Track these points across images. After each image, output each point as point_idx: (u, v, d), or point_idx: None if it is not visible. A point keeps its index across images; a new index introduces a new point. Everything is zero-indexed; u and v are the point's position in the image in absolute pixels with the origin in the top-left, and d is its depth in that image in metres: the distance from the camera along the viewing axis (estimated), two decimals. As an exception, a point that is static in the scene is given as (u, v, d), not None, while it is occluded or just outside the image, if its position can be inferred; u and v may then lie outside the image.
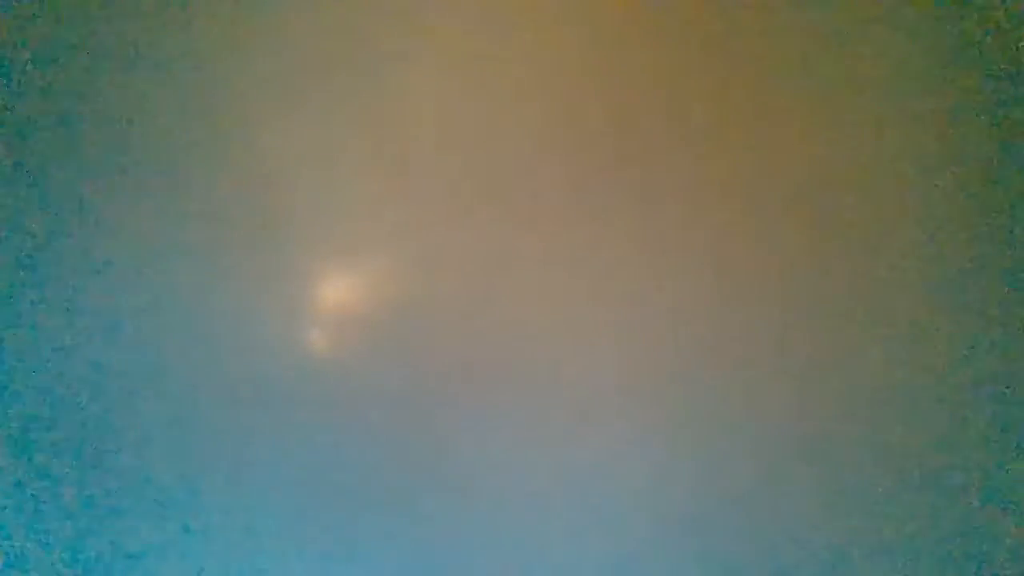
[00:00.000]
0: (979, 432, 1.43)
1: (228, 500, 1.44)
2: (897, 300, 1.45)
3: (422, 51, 1.49)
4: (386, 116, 1.49)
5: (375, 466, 1.45)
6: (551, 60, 1.48)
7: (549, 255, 1.47)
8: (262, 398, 1.45)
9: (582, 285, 1.47)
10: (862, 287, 1.45)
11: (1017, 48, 1.46)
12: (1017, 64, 1.46)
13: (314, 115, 1.48)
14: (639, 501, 1.44)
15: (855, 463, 1.43)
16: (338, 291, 1.48)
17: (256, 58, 1.49)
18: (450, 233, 1.48)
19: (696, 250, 1.46)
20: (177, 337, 1.46)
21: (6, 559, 1.43)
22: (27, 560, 1.43)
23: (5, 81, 1.48)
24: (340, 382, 1.46)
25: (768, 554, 1.43)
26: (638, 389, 1.45)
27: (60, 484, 1.44)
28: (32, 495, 1.44)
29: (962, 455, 1.43)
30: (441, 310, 1.47)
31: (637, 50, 1.48)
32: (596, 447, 1.44)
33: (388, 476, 1.45)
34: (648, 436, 1.45)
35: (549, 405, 1.45)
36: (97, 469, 1.44)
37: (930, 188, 1.46)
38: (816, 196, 1.46)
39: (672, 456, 1.44)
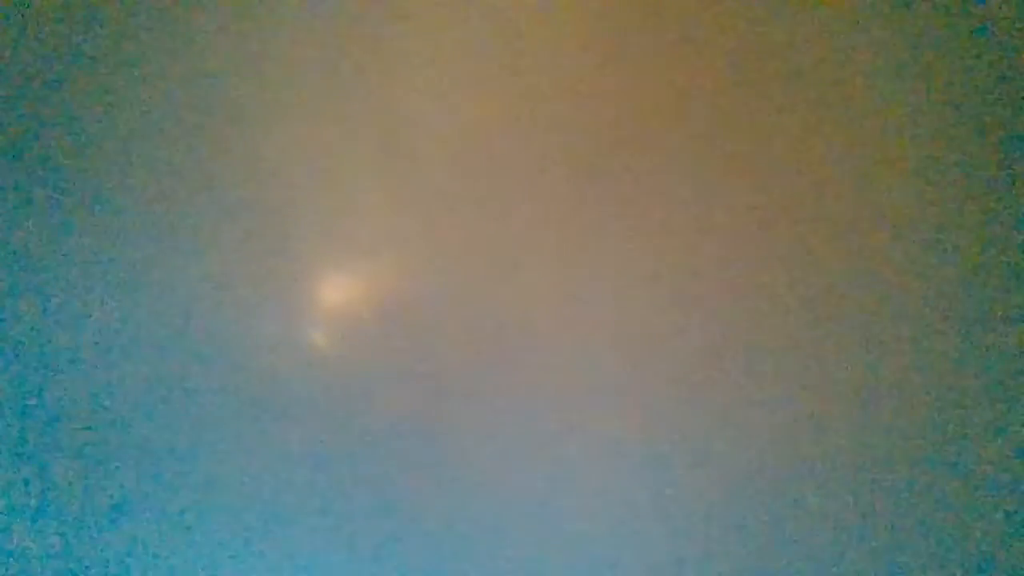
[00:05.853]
0: (984, 434, 1.43)
1: (229, 499, 1.44)
2: (900, 298, 1.45)
3: (425, 49, 1.49)
4: (389, 116, 1.49)
5: (378, 465, 1.45)
6: (554, 58, 1.48)
7: (553, 253, 1.47)
8: (264, 397, 1.45)
9: (585, 284, 1.47)
10: (865, 285, 1.45)
11: (1017, 48, 1.46)
12: (1017, 64, 1.46)
13: (318, 114, 1.48)
14: (644, 499, 1.44)
15: (859, 463, 1.43)
16: (340, 290, 1.48)
17: (259, 59, 1.49)
18: (453, 232, 1.48)
19: (701, 249, 1.46)
20: (179, 337, 1.46)
21: (7, 559, 1.43)
22: (27, 560, 1.43)
23: (8, 82, 1.48)
24: (342, 381, 1.46)
25: (772, 554, 1.43)
26: (643, 388, 1.45)
27: (60, 483, 1.44)
28: (31, 495, 1.44)
29: (965, 456, 1.43)
30: (444, 309, 1.47)
31: (640, 48, 1.48)
32: (601, 446, 1.44)
33: (390, 475, 1.45)
34: (653, 435, 1.45)
35: (553, 403, 1.45)
36: (96, 468, 1.44)
37: (932, 187, 1.46)
38: (819, 193, 1.46)
39: (677, 455, 1.44)
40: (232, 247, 1.47)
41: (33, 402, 1.45)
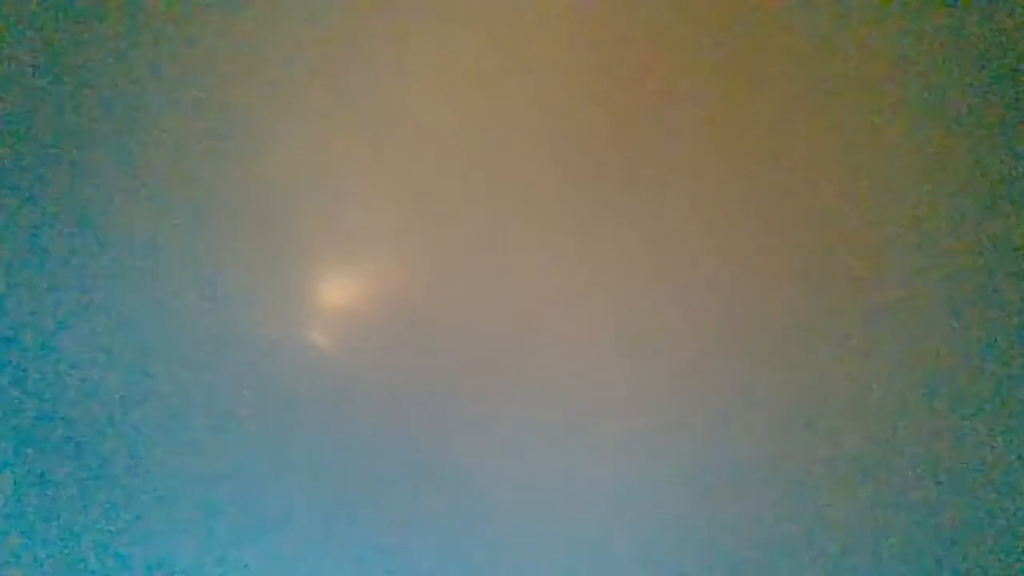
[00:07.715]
0: (982, 436, 1.43)
1: (228, 499, 1.44)
2: (903, 298, 1.45)
3: (423, 52, 1.49)
4: (387, 116, 1.49)
5: (377, 466, 1.45)
6: (551, 58, 1.49)
7: (551, 254, 1.47)
8: (263, 399, 1.45)
9: (586, 283, 1.47)
10: (869, 283, 1.45)
11: (1017, 48, 1.46)
12: (1017, 64, 1.46)
13: (316, 115, 1.49)
14: (647, 499, 1.44)
15: (863, 462, 1.43)
16: (340, 291, 1.48)
17: (258, 59, 1.49)
18: (452, 233, 1.48)
19: (700, 249, 1.47)
20: (178, 338, 1.46)
21: (7, 560, 1.43)
22: (28, 561, 1.43)
23: (9, 83, 1.48)
24: (341, 382, 1.46)
25: (776, 552, 1.43)
26: (643, 388, 1.45)
27: (58, 483, 1.44)
28: (29, 496, 1.44)
29: (965, 458, 1.43)
30: (443, 310, 1.47)
31: (638, 48, 1.49)
32: (601, 448, 1.44)
33: (391, 477, 1.45)
34: (654, 437, 1.45)
35: (552, 405, 1.45)
36: (96, 468, 1.44)
37: (932, 188, 1.46)
38: (821, 191, 1.47)
39: (678, 457, 1.44)
40: (231, 247, 1.47)
41: (31, 404, 1.45)
